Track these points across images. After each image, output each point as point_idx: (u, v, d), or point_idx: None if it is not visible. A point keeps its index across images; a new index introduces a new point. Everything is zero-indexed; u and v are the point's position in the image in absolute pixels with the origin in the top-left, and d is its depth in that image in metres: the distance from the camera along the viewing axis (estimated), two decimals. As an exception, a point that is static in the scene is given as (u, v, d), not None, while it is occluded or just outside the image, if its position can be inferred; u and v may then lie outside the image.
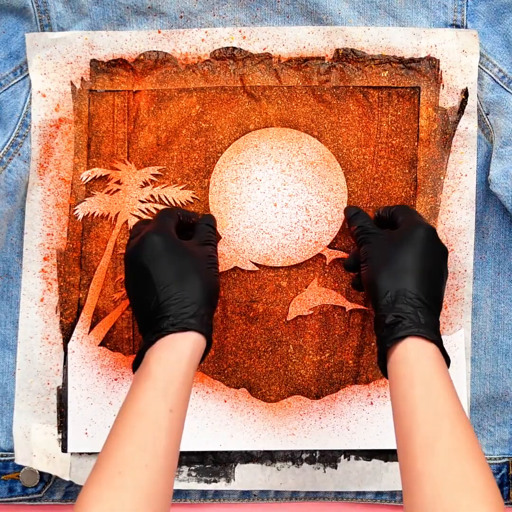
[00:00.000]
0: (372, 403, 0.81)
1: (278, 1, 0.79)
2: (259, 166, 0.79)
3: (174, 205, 0.80)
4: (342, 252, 0.80)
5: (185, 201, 0.80)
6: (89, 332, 0.81)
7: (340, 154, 0.80)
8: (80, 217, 0.80)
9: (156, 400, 0.61)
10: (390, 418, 0.81)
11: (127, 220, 0.81)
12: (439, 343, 0.65)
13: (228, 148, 0.79)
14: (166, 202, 0.80)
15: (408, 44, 0.79)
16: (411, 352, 0.63)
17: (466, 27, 0.79)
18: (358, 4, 0.79)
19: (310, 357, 0.81)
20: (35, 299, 0.81)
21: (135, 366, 0.66)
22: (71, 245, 0.81)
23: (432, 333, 0.64)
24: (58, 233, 0.81)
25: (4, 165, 0.79)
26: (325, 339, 0.81)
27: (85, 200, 0.80)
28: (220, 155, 0.80)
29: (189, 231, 0.76)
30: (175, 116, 0.80)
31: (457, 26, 0.79)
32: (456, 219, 0.80)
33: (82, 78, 0.80)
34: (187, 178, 0.81)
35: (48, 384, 0.81)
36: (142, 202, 0.81)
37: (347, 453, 0.82)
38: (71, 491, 0.83)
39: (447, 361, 0.65)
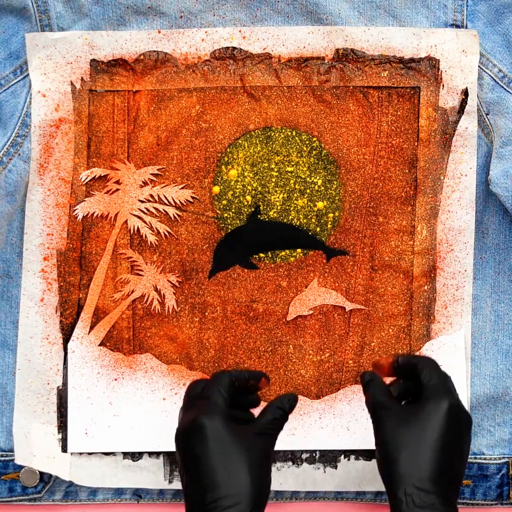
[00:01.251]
0: None
1: (278, 1, 0.79)
2: None
3: (173, 204, 0.80)
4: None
5: (184, 201, 0.80)
6: (89, 332, 0.81)
7: (340, 154, 0.80)
8: (80, 217, 0.80)
9: None
10: None
11: (126, 220, 0.81)
12: None
13: None
14: (166, 201, 0.80)
15: (408, 44, 0.79)
16: None
17: (466, 27, 0.79)
18: (358, 4, 0.79)
19: (310, 357, 0.81)
20: (35, 299, 0.81)
21: None
22: (71, 245, 0.81)
23: None
24: (58, 233, 0.81)
25: (4, 165, 0.79)
26: (325, 339, 0.81)
27: (84, 200, 0.80)
28: (220, 155, 0.80)
29: (250, 394, 0.71)
30: (175, 116, 0.80)
31: (457, 26, 0.79)
32: (456, 219, 0.80)
33: (82, 78, 0.80)
34: (187, 178, 0.81)
35: (48, 384, 0.81)
36: (142, 201, 0.81)
37: (347, 453, 0.82)
38: (71, 491, 0.83)
39: None
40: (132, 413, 0.81)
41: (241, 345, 0.81)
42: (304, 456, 0.82)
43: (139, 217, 0.80)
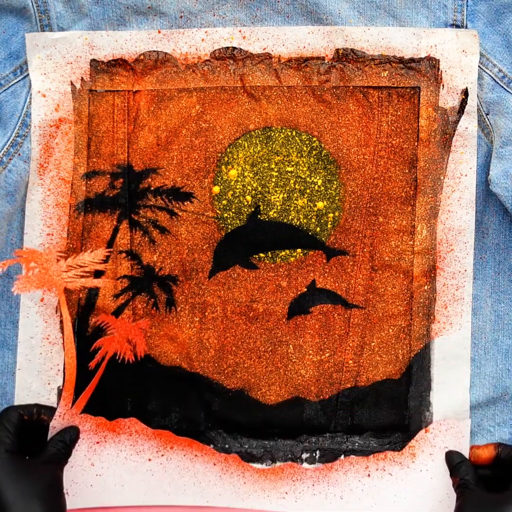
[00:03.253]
0: (369, 475, 0.80)
1: (278, 1, 0.79)
2: None
3: (173, 204, 0.80)
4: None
5: (99, 260, 0.78)
6: (72, 407, 0.78)
7: (340, 154, 0.80)
8: (19, 294, 0.77)
9: None
10: (386, 492, 0.80)
11: (127, 220, 0.80)
12: None
13: None
14: (165, 203, 0.80)
15: (408, 44, 0.79)
16: None
17: (466, 27, 0.79)
18: (358, 4, 0.79)
19: (310, 357, 0.81)
20: (35, 299, 0.81)
21: None
22: (71, 245, 0.81)
23: None
24: (58, 233, 0.81)
25: (4, 165, 0.79)
26: (325, 339, 0.81)
27: (18, 279, 0.76)
28: (220, 155, 0.80)
29: (41, 429, 0.76)
30: (175, 116, 0.80)
31: (457, 26, 0.79)
32: (456, 219, 0.80)
33: (82, 78, 0.80)
34: (187, 178, 0.81)
35: (48, 384, 0.81)
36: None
37: (347, 453, 0.82)
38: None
39: None
40: (115, 472, 0.80)
41: (241, 345, 0.81)
42: (304, 456, 0.82)
43: (139, 217, 0.81)
